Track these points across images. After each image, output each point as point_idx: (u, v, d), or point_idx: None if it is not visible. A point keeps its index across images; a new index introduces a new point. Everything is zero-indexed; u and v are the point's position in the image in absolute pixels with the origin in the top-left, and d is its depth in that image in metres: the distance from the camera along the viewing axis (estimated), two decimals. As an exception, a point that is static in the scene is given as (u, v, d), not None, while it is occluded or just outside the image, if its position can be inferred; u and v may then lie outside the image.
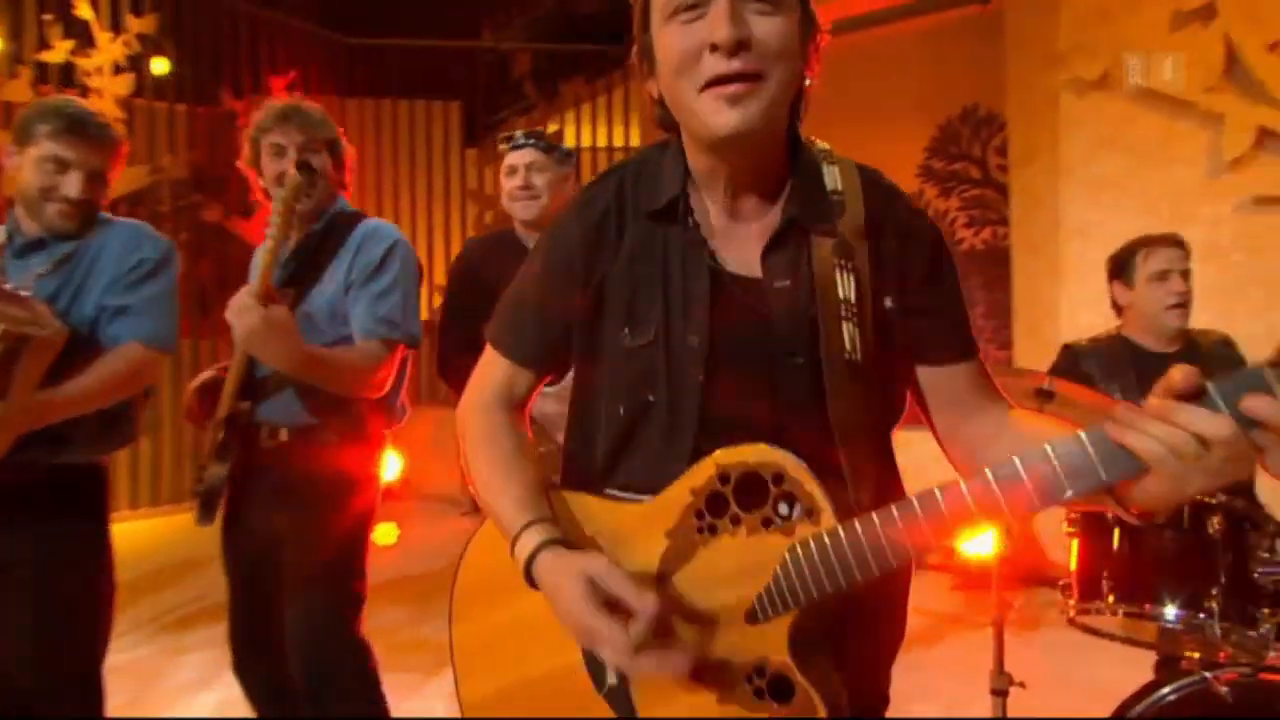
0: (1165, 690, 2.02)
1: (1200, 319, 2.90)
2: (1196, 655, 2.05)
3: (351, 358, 2.29)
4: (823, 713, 1.06)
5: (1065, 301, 5.33)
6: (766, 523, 1.09)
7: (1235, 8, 4.65)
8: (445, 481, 7.26)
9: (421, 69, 9.02)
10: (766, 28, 1.10)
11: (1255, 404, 0.85)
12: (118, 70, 6.79)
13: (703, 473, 1.13)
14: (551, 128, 8.74)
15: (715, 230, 1.24)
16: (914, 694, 2.60)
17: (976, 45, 6.78)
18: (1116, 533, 2.07)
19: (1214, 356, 2.72)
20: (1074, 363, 2.81)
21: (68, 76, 6.57)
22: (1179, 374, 0.90)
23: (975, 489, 0.98)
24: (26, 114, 2.19)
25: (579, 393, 1.34)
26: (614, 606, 1.07)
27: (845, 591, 1.06)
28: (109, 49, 6.75)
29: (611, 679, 1.19)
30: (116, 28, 6.82)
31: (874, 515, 1.03)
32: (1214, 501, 1.94)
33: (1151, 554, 2.04)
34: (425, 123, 9.00)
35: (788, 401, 1.18)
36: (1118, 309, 2.91)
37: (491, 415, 1.32)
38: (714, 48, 1.08)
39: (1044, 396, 2.32)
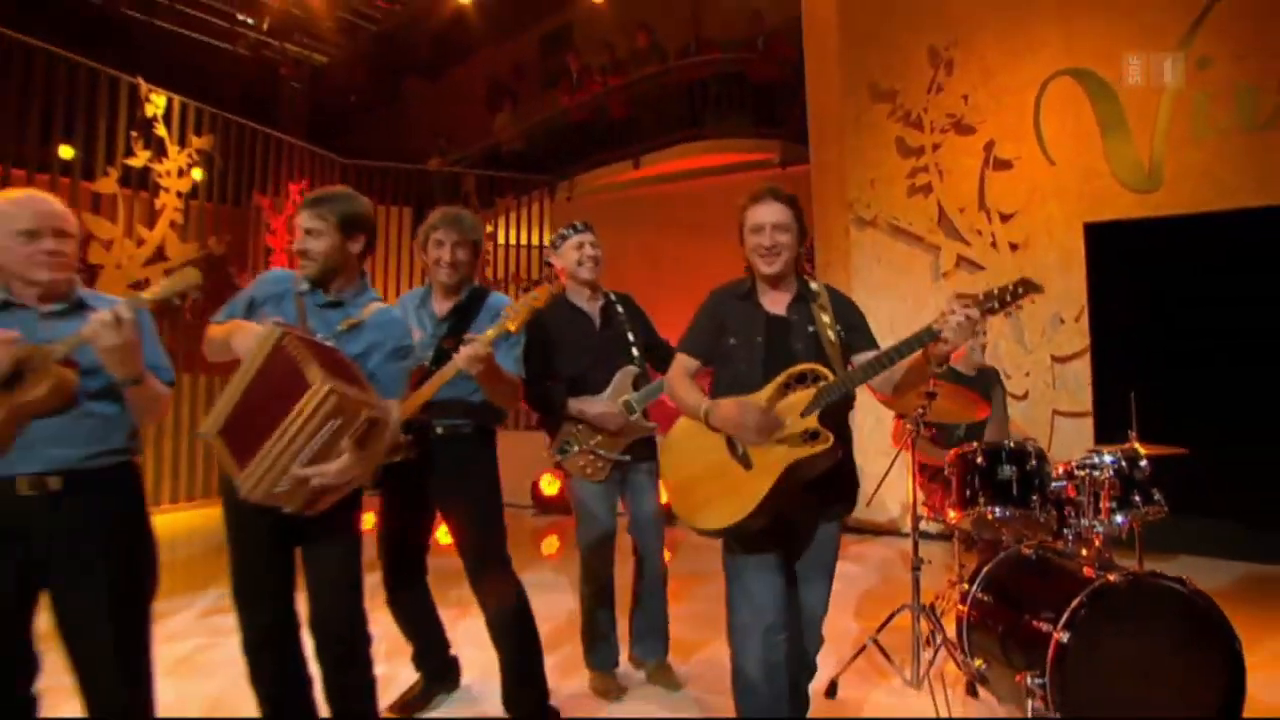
0: (990, 562, 2.58)
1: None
2: (1010, 536, 2.69)
3: (517, 384, 2.42)
4: (829, 442, 1.81)
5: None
6: (807, 386, 1.86)
7: (943, 186, 5.51)
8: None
9: (389, 185, 9.01)
10: (783, 238, 1.97)
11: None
12: (181, 174, 6.52)
13: (783, 378, 1.88)
14: (488, 229, 9.02)
15: (764, 302, 2.03)
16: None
17: None
18: (977, 468, 2.60)
19: (991, 379, 3.38)
20: None
21: (144, 178, 6.25)
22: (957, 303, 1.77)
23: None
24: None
25: (717, 371, 2.07)
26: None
27: (841, 401, 1.88)
28: (176, 158, 6.46)
29: (739, 450, 1.91)
30: (182, 143, 6.55)
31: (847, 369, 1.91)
32: (1030, 448, 2.59)
33: (996, 480, 2.56)
34: (387, 219, 8.94)
35: (801, 360, 1.92)
36: None
37: (681, 381, 2.06)
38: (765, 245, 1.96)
39: (930, 396, 2.71)
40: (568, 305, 2.78)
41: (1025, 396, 5.13)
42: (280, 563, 2.00)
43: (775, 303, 2.03)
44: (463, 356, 2.12)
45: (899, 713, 2.56)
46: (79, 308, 1.80)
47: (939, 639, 2.76)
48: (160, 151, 6.33)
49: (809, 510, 2.00)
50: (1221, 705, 2.08)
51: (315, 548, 1.97)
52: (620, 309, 2.87)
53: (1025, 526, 2.64)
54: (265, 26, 9.26)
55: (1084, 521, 2.46)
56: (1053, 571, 2.41)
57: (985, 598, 2.54)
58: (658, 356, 2.86)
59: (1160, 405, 4.43)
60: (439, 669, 2.69)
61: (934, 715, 2.47)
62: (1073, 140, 5.09)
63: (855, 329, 2.03)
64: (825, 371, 1.85)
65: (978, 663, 2.49)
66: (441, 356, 2.35)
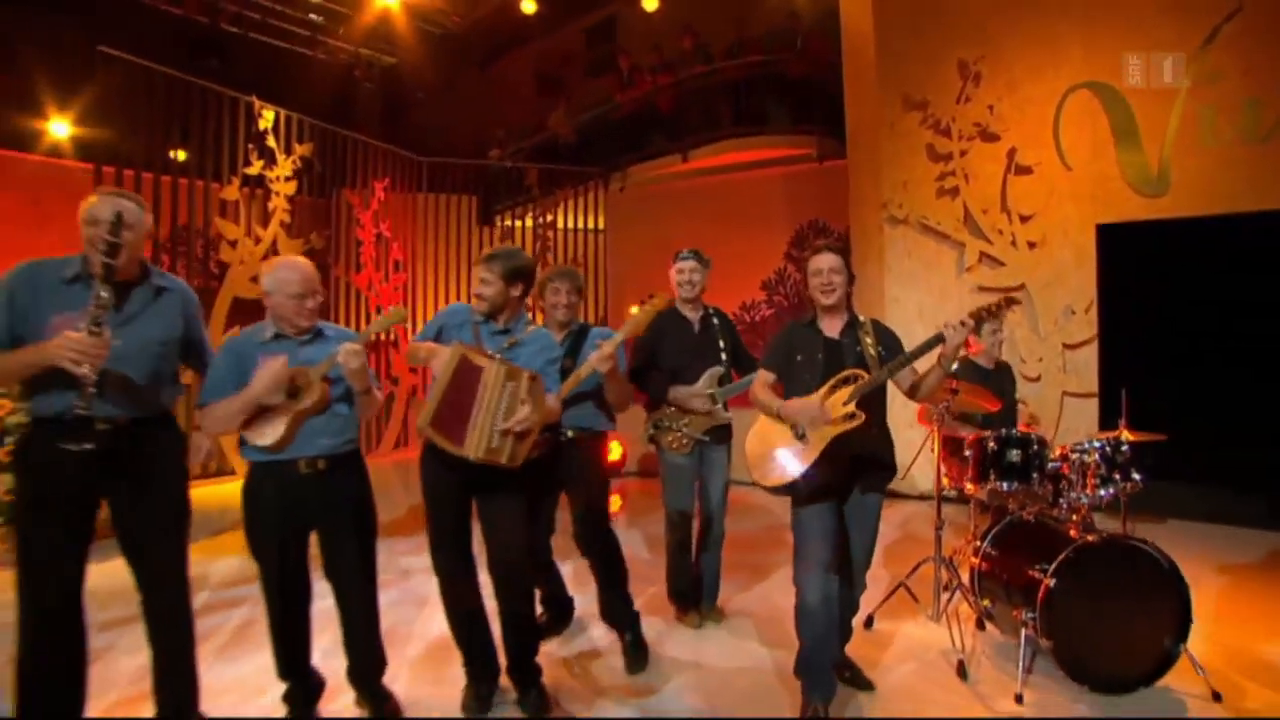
0: (997, 525, 3.11)
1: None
2: (1015, 505, 3.19)
3: (631, 387, 3.04)
4: (862, 418, 2.34)
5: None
6: (849, 385, 2.39)
7: (968, 189, 5.83)
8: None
9: (456, 176, 9.56)
10: (837, 278, 2.50)
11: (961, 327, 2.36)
12: (288, 179, 7.15)
13: (833, 381, 2.41)
14: (549, 217, 9.52)
15: (823, 328, 2.48)
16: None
17: (816, 185, 7.90)
18: (990, 451, 3.05)
19: (1005, 372, 3.77)
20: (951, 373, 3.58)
21: (260, 182, 6.89)
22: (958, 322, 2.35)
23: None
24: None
25: (785, 381, 2.54)
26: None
27: (873, 395, 2.41)
28: (284, 165, 7.08)
29: (799, 432, 2.42)
30: (288, 151, 7.16)
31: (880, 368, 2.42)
32: (1034, 436, 3.03)
33: (1005, 461, 3.02)
34: (457, 207, 9.49)
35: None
36: (968, 346, 3.56)
37: (763, 390, 2.56)
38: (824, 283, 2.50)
39: (954, 392, 3.16)
40: (675, 313, 3.29)
41: (1038, 379, 5.53)
42: (463, 517, 2.56)
43: (831, 328, 2.55)
44: (596, 357, 2.68)
45: (923, 641, 3.14)
46: (319, 335, 2.41)
47: (955, 584, 3.30)
48: (270, 160, 6.94)
49: (858, 480, 2.54)
50: (1173, 634, 2.62)
51: (490, 500, 2.49)
52: (716, 321, 3.35)
53: (1027, 497, 3.12)
54: (341, 32, 9.79)
55: (1073, 494, 2.94)
56: (1046, 533, 2.91)
57: (993, 552, 3.07)
58: (741, 362, 3.35)
59: (1158, 388, 4.81)
60: (562, 607, 3.30)
61: (950, 644, 3.04)
62: (1088, 148, 5.38)
63: (891, 350, 2.52)
64: (864, 374, 2.41)
65: (985, 603, 3.05)
66: (563, 374, 2.76)
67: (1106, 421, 4.96)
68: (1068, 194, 5.47)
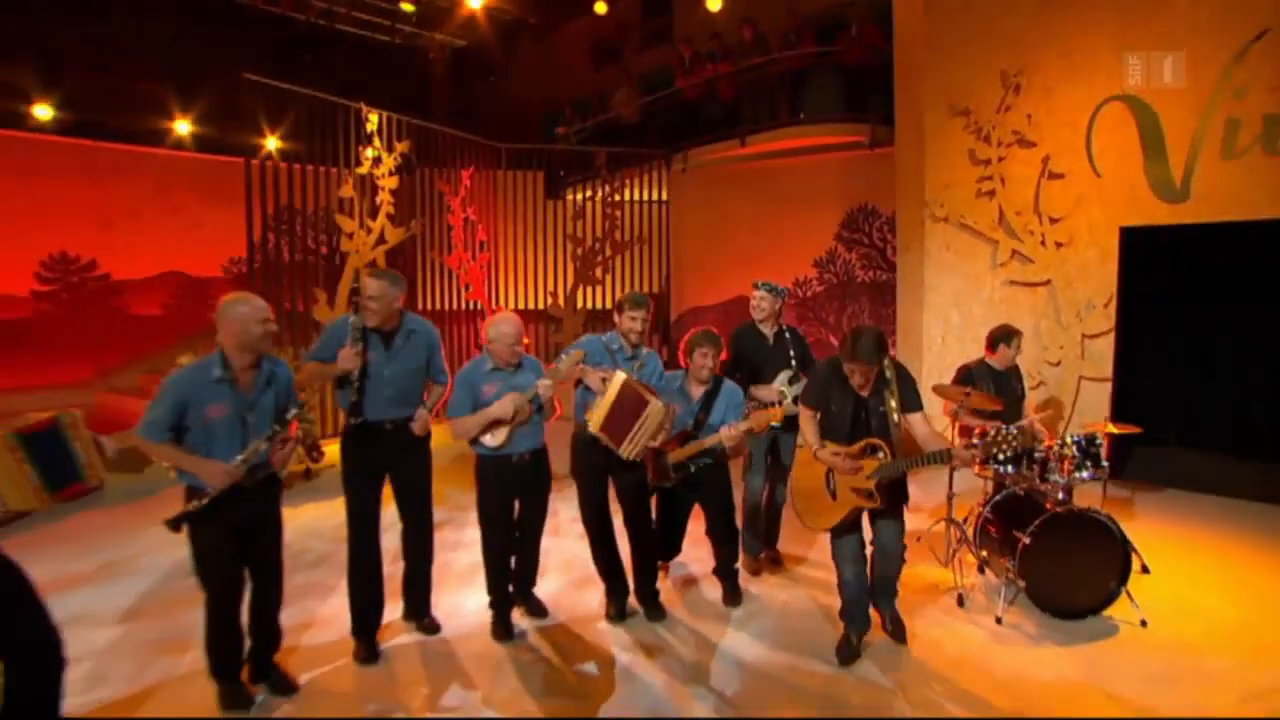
0: (996, 496, 4.23)
1: (982, 344, 4.65)
2: (1011, 481, 4.31)
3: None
4: (880, 502, 3.17)
5: (924, 323, 7.02)
6: (875, 454, 3.21)
7: (1004, 192, 6.54)
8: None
9: (528, 157, 10.57)
10: (870, 378, 3.16)
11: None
12: (391, 174, 8.29)
13: (863, 444, 3.22)
14: (616, 197, 10.46)
15: (856, 386, 3.26)
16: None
17: (867, 170, 8.59)
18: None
19: (1015, 372, 4.58)
20: (968, 375, 4.42)
21: (368, 180, 8.07)
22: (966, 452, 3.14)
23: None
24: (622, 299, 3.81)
25: (823, 419, 3.37)
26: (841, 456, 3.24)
27: (895, 479, 3.21)
28: (388, 162, 8.20)
29: (831, 484, 3.28)
30: (390, 148, 8.28)
31: (903, 458, 3.18)
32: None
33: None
34: (530, 183, 10.49)
35: (874, 433, 3.25)
36: (989, 352, 4.47)
37: (807, 420, 3.41)
38: (858, 382, 3.18)
39: (967, 395, 4.15)
40: (754, 328, 4.26)
41: (1058, 365, 6.38)
42: (604, 489, 3.80)
43: (863, 389, 3.25)
44: (725, 436, 3.63)
45: (935, 579, 4.29)
46: (520, 366, 3.60)
47: (962, 539, 4.41)
48: (376, 159, 8.08)
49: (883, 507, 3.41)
50: (1116, 579, 3.72)
51: (623, 480, 3.75)
52: (787, 335, 4.32)
53: (1020, 477, 4.18)
54: (414, 19, 10.75)
55: (1054, 477, 4.03)
56: (1030, 504, 3.96)
57: (990, 516, 4.16)
58: (808, 367, 4.30)
59: (1167, 376, 5.66)
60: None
61: (954, 583, 4.19)
62: (1117, 156, 6.04)
63: (909, 399, 3.24)
64: (886, 447, 3.13)
65: (983, 553, 4.17)
66: (698, 425, 3.75)
67: (1117, 404, 5.77)
68: (1095, 199, 6.17)
